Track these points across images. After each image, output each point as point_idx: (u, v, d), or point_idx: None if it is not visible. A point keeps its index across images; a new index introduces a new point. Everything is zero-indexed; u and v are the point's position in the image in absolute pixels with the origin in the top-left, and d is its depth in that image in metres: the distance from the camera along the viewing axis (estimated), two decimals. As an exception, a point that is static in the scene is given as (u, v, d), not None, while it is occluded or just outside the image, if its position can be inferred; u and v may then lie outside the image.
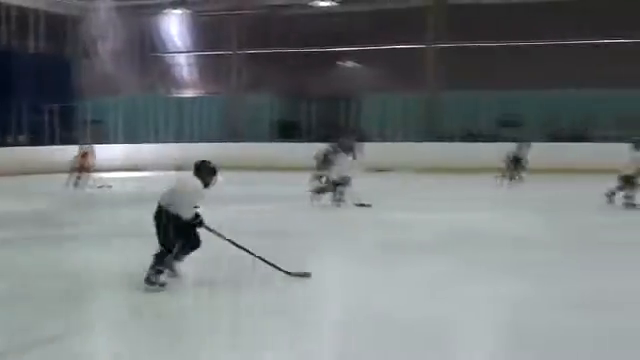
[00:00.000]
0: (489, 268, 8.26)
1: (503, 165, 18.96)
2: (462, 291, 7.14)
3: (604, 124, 23.88)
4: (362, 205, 13.97)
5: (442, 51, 26.05)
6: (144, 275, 7.10)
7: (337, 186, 14.27)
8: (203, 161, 7.47)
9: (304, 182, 15.81)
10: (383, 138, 24.71)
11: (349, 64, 28.86)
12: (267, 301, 6.79)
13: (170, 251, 7.20)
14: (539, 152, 19.91)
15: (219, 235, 7.45)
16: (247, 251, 7.52)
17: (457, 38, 25.46)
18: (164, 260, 7.19)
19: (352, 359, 5.27)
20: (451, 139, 24.82)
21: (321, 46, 27.47)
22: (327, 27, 27.15)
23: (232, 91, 29.16)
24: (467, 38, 25.38)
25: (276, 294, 7.05)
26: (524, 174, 18.87)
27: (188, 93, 30.58)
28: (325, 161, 16.25)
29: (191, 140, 27.44)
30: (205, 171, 7.40)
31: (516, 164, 19.03)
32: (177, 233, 7.19)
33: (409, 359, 5.26)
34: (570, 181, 18.94)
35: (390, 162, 22.11)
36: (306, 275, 7.56)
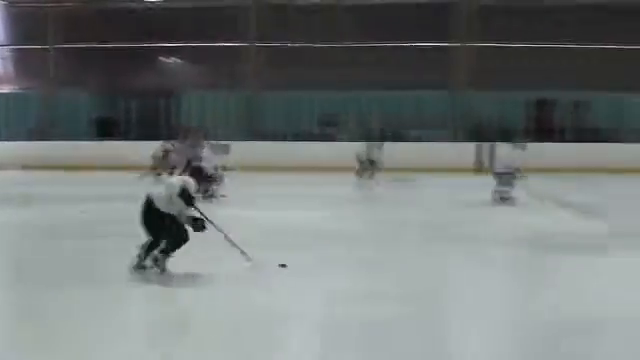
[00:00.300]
0: (317, 263, 8.35)
1: (357, 166, 19.22)
2: (289, 286, 7.23)
3: (415, 124, 24.94)
4: (221, 196, 14.64)
5: (264, 50, 26.04)
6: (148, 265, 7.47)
7: (210, 182, 14.52)
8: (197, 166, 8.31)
9: (128, 181, 15.42)
10: (204, 137, 24.41)
11: (171, 60, 28.34)
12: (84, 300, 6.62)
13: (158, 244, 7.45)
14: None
15: (212, 224, 7.67)
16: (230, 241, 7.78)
17: (278, 37, 25.56)
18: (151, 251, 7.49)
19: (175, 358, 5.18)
20: (273, 138, 24.91)
21: (142, 41, 26.72)
22: (148, 22, 26.48)
23: (48, 87, 27.80)
24: (288, 38, 25.53)
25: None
26: (377, 174, 19.17)
27: (1, 89, 28.93)
28: (164, 158, 16.12)
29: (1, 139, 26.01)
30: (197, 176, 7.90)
31: (370, 164, 19.26)
32: (169, 228, 7.42)
33: (236, 355, 5.22)
34: (400, 179, 19.31)
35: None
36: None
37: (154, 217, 7.40)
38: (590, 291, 7.18)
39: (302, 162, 22.23)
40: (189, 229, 7.47)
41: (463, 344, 5.62)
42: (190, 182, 7.52)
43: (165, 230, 7.42)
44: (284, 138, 25.03)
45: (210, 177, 14.44)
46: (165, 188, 7.52)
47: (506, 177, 14.57)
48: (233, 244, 7.77)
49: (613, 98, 25.32)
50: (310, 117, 25.64)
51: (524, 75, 24.93)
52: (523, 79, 24.95)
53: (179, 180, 7.56)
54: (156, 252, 7.48)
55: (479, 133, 24.72)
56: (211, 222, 7.66)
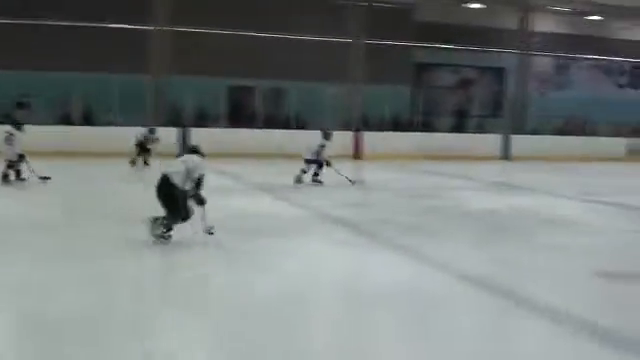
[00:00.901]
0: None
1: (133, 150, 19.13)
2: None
3: (109, 108, 24.65)
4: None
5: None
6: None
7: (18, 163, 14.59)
8: (195, 146, 9.04)
9: None
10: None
11: None
12: None
13: (182, 218, 8.40)
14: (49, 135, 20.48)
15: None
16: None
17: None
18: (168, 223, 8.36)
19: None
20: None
21: None
22: None
23: None
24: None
25: None
26: (150, 159, 18.77)
27: None
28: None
29: None
30: (199, 153, 8.79)
31: (142, 149, 19.02)
32: (182, 203, 8.34)
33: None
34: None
35: None
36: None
37: (168, 192, 8.26)
38: (281, 271, 7.52)
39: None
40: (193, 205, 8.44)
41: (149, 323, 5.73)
42: (200, 161, 8.57)
43: (175, 204, 8.26)
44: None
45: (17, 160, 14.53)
46: (181, 165, 8.45)
47: (313, 164, 15.86)
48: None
49: (307, 87, 26.72)
50: (6, 98, 24.20)
51: (223, 62, 25.62)
52: (222, 66, 25.63)
53: (191, 159, 8.55)
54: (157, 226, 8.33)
55: (176, 118, 25.01)
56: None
